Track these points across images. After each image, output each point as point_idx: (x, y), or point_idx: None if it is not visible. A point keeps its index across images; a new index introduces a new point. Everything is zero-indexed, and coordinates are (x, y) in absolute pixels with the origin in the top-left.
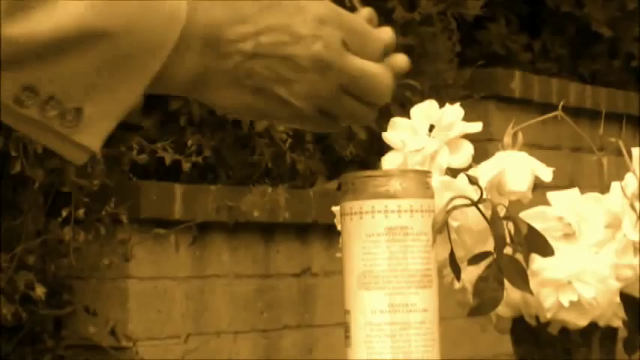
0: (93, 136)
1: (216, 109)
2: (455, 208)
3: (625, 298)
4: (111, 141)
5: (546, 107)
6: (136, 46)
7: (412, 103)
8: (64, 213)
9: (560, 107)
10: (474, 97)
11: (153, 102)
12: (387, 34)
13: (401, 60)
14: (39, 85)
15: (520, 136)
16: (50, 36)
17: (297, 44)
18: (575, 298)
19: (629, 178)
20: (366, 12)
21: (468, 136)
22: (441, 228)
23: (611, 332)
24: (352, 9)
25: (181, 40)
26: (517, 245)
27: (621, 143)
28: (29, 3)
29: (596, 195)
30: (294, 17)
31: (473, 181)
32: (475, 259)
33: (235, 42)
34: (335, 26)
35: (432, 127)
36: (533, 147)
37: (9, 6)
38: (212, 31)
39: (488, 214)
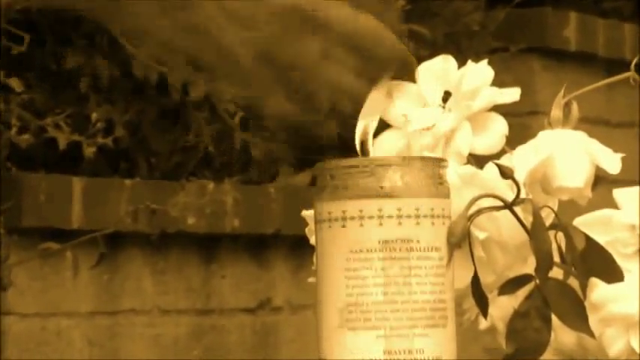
0: None
1: (119, 30)
2: (480, 212)
3: None
4: None
5: (615, 65)
6: None
7: (419, 60)
8: None
9: (633, 66)
10: (510, 50)
11: (39, 56)
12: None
13: None
14: None
15: (576, 107)
16: None
17: None
18: None
19: None
20: None
21: (499, 108)
22: (461, 241)
23: None
24: None
25: None
26: (570, 266)
27: None
28: None
29: None
30: None
31: (507, 173)
32: (510, 287)
33: None
34: None
35: (447, 95)
36: (595, 123)
37: None
38: None
39: (528, 220)
